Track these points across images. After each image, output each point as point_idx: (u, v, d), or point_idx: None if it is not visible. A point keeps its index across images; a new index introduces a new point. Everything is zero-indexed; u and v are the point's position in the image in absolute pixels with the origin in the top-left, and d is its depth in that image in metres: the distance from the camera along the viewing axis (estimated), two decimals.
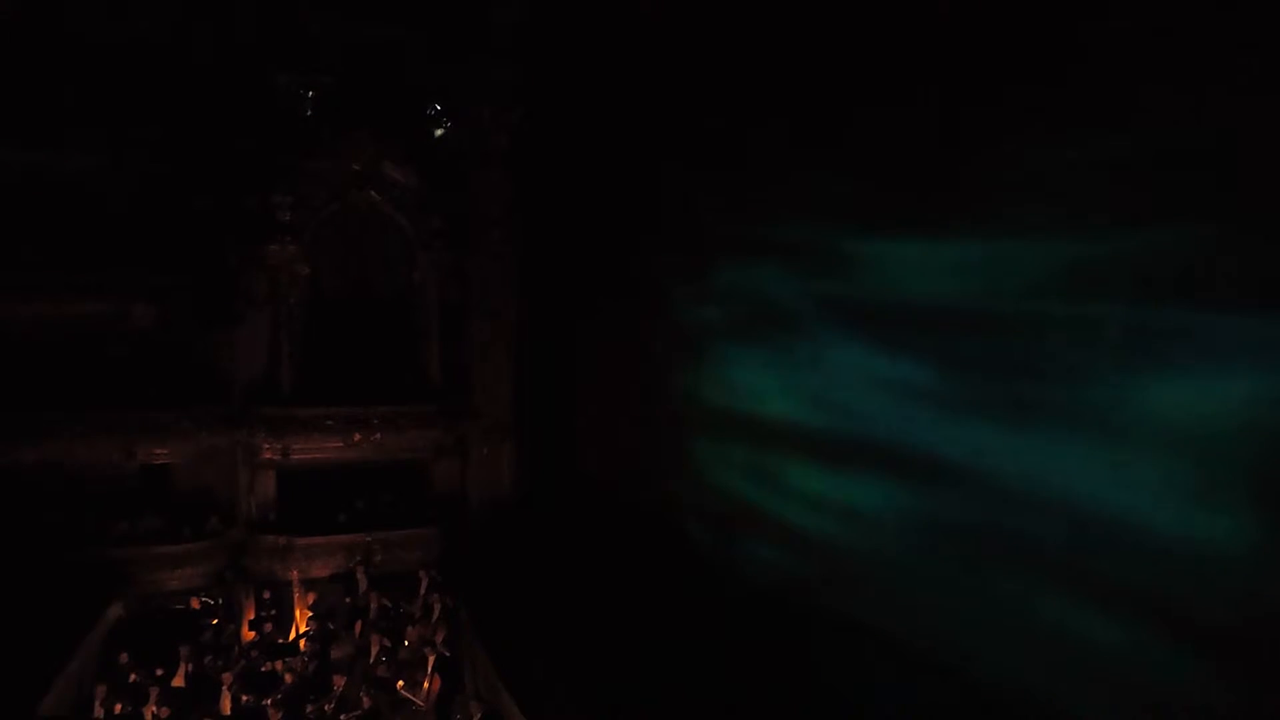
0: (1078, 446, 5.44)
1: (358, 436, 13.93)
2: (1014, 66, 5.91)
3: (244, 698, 9.99)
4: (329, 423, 13.81)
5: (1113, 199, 5.24)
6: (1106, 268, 5.25)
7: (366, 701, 9.65)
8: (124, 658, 10.29)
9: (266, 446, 13.65)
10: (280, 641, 11.68)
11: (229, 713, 9.93)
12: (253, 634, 12.03)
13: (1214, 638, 4.73)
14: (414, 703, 10.00)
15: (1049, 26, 5.67)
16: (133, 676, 9.99)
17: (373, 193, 14.14)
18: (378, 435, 14.04)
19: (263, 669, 10.63)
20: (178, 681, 10.31)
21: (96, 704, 9.49)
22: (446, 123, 15.02)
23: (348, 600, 12.58)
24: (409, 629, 11.58)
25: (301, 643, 11.65)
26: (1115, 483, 5.19)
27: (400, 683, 10.13)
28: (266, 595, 12.65)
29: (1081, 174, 5.41)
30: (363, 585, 12.73)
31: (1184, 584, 4.84)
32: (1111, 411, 5.22)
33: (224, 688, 10.09)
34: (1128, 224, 5.12)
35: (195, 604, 12.31)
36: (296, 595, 12.97)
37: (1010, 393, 5.97)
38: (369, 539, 13.55)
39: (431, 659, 10.67)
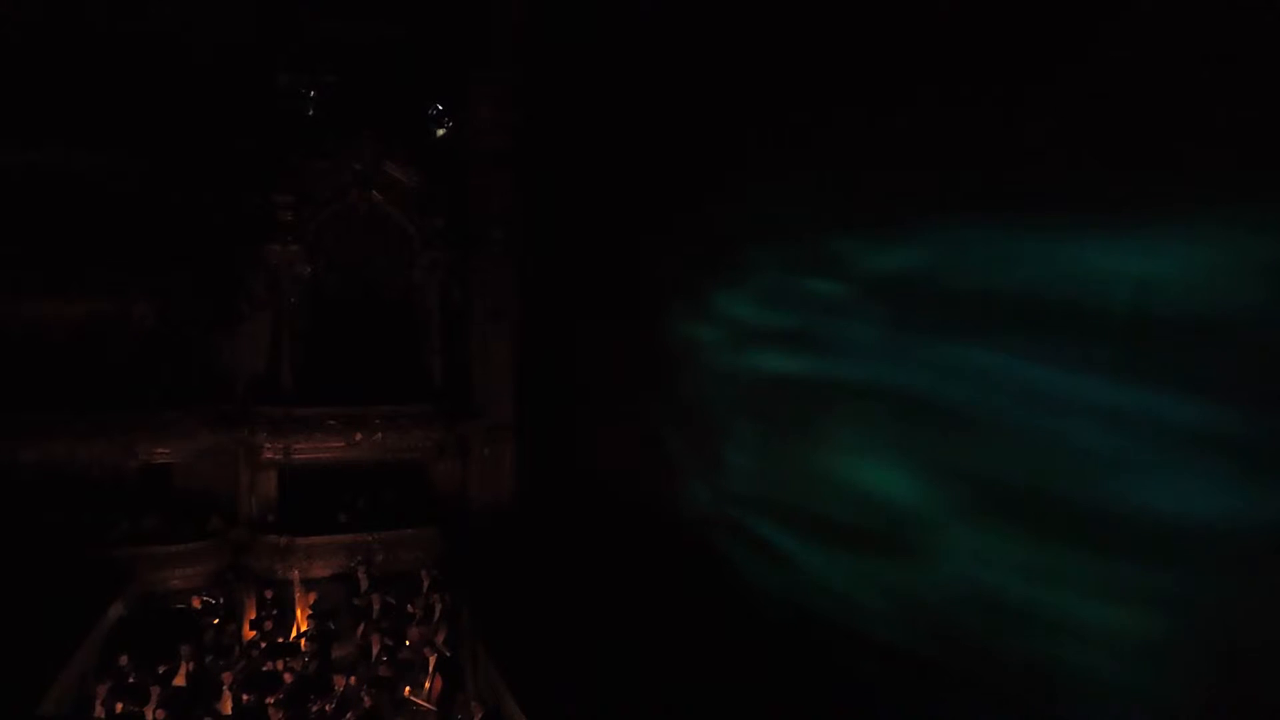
0: None
1: (359, 436, 13.93)
2: None
3: (245, 697, 9.94)
4: (330, 422, 13.81)
5: None
6: None
7: (368, 701, 9.64)
8: (124, 660, 10.28)
9: (268, 446, 13.66)
10: (281, 641, 11.66)
11: (230, 712, 9.90)
12: (254, 633, 12.01)
13: None
14: (427, 709, 10.01)
15: None
16: (132, 677, 9.98)
17: (374, 193, 14.17)
18: (379, 435, 14.05)
19: (264, 668, 10.60)
20: (179, 681, 10.30)
21: (97, 704, 9.45)
22: (448, 122, 15.03)
23: (350, 600, 12.57)
24: (410, 629, 11.57)
25: (303, 642, 11.64)
26: None
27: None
28: (268, 595, 12.65)
29: None
30: (364, 585, 12.73)
31: None
32: None
33: (225, 687, 10.08)
34: None
35: (196, 603, 12.33)
36: (298, 595, 12.95)
37: None
38: (370, 539, 13.55)
39: (433, 659, 10.67)
